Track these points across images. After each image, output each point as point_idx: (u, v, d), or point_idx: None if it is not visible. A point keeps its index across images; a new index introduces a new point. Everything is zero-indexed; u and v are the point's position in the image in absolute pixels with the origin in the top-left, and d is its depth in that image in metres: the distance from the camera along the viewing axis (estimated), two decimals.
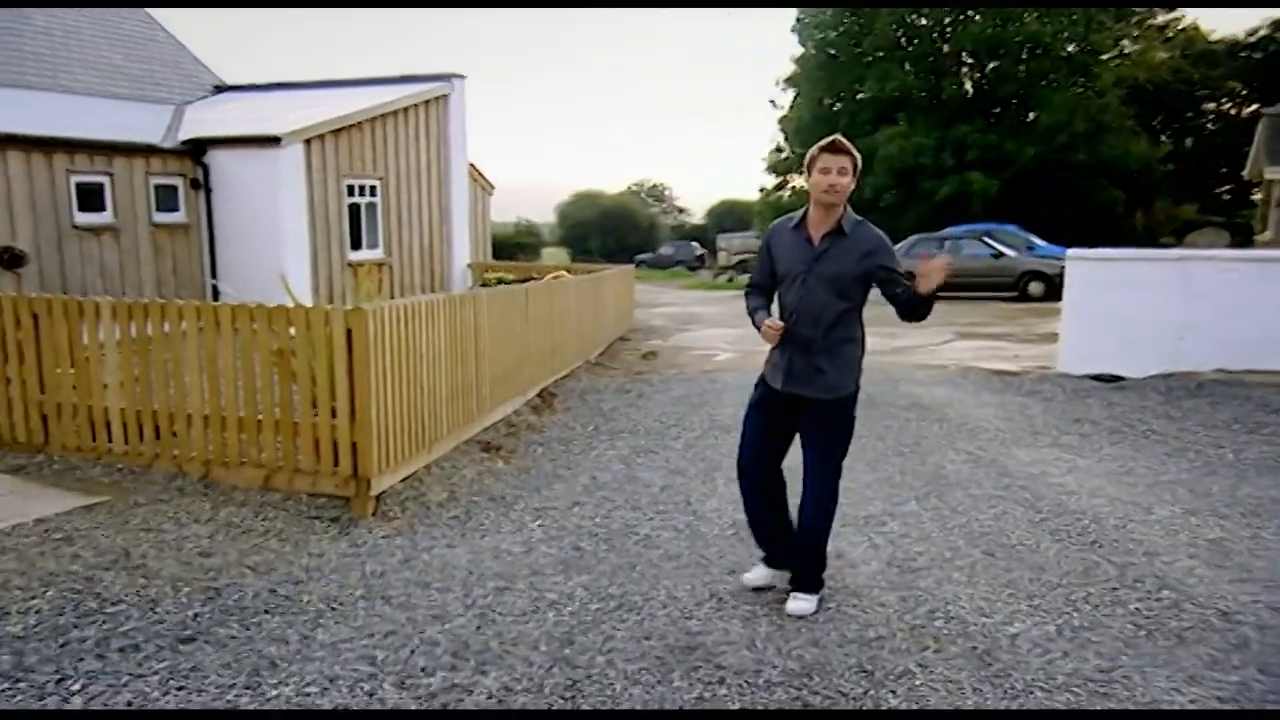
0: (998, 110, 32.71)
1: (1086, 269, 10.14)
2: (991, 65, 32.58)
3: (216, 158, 14.43)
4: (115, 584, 4.24)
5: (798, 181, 37.98)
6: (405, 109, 16.58)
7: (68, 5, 16.73)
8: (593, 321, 11.84)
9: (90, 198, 13.14)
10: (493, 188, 23.40)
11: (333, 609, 4.10)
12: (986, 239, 20.87)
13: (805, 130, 34.07)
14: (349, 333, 5.32)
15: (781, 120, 36.10)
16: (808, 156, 3.95)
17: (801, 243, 3.98)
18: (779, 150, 37.39)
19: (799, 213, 4.07)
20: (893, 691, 3.45)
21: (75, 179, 12.91)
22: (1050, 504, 5.74)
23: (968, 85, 33.43)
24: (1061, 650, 3.79)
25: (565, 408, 8.72)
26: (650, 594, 4.35)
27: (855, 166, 3.87)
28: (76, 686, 3.34)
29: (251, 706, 3.24)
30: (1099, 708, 3.35)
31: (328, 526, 5.22)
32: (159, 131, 14.75)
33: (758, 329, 4.08)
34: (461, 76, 17.67)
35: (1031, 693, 3.44)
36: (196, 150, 14.37)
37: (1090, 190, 29.97)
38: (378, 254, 16.18)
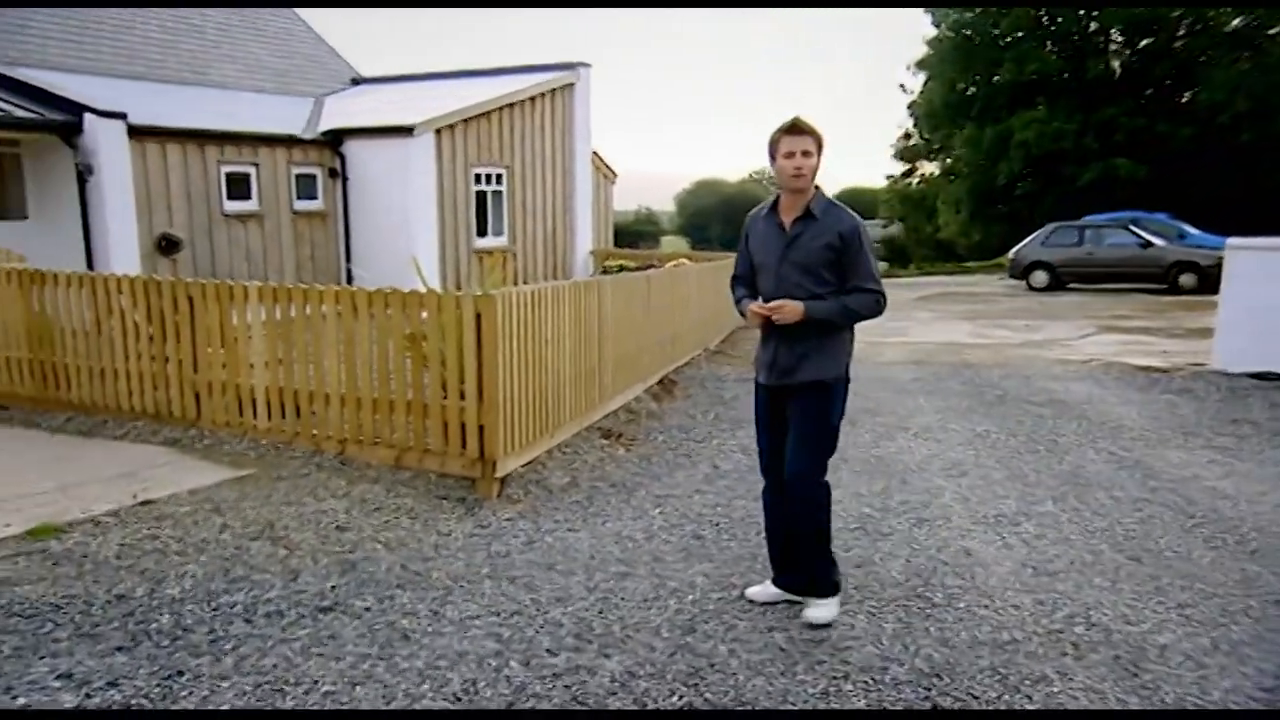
0: (1149, 91, 30.71)
1: (1249, 259, 9.43)
2: (1144, 43, 30.62)
3: (352, 147, 15.03)
4: (260, 553, 4.47)
5: (928, 168, 36.70)
6: (532, 98, 16.86)
7: (217, 5, 17.69)
8: (714, 309, 11.77)
9: (237, 186, 13.91)
10: (615, 175, 23.56)
11: (460, 586, 4.21)
12: (1132, 227, 19.71)
13: (937, 115, 32.90)
14: (478, 317, 5.44)
15: (911, 105, 34.98)
16: (769, 141, 3.80)
17: (774, 230, 3.86)
18: (907, 136, 36.28)
19: (771, 199, 3.95)
20: (1029, 697, 3.30)
21: (225, 169, 13.68)
22: (1203, 509, 5.38)
23: (1115, 65, 31.54)
24: (1218, 665, 3.54)
25: (686, 395, 8.70)
26: None
27: (819, 146, 3.74)
28: (229, 647, 3.53)
29: (386, 677, 3.36)
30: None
31: (454, 506, 5.36)
32: (300, 123, 15.47)
33: (744, 316, 3.98)
34: (587, 65, 17.84)
35: (1185, 707, 3.23)
36: (334, 140, 15.00)
37: (1256, 174, 27.80)
38: (502, 241, 16.53)
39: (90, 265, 12.01)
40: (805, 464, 3.84)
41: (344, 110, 16.66)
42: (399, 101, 16.79)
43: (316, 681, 3.30)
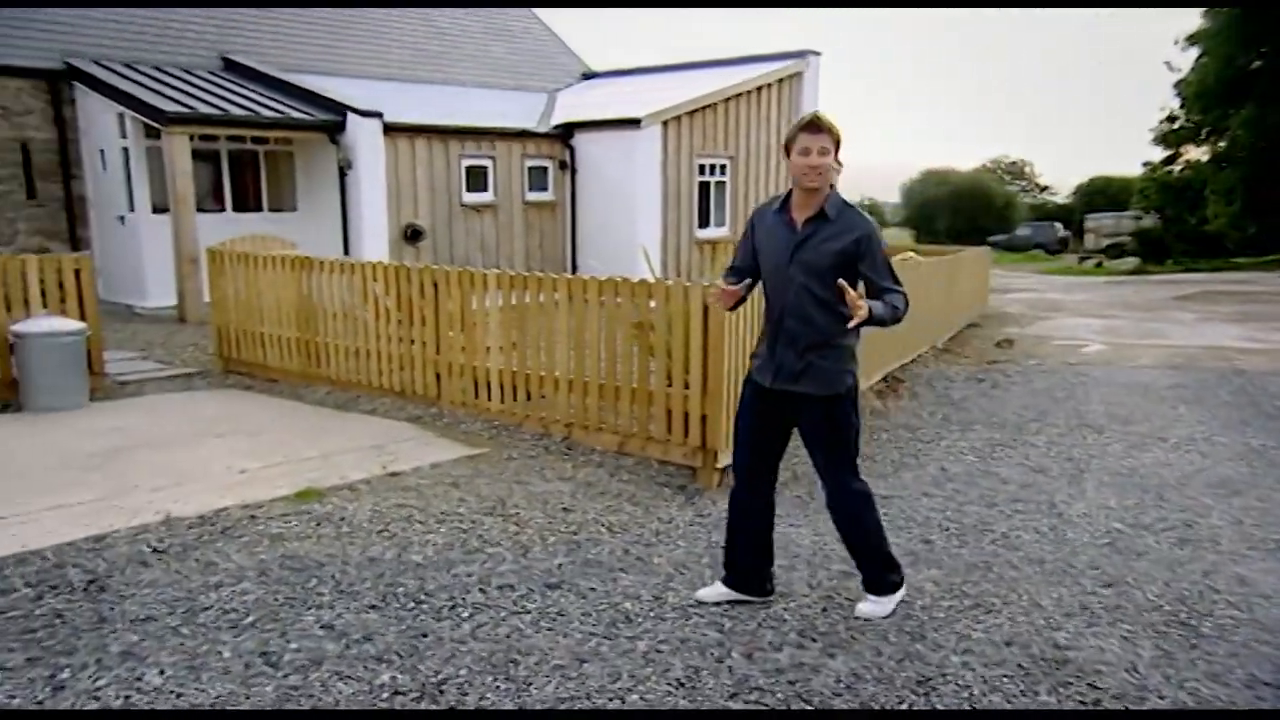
0: None
1: None
2: None
3: (582, 140, 15.53)
4: (493, 528, 4.69)
5: (1194, 153, 33.03)
6: (758, 88, 16.75)
7: (461, 5, 18.81)
8: (943, 306, 11.23)
9: (475, 178, 14.75)
10: (841, 166, 22.98)
11: (681, 573, 4.23)
12: None
13: (1209, 95, 29.45)
14: (705, 308, 5.44)
15: (1178, 84, 31.58)
16: (785, 137, 3.61)
17: (784, 228, 3.67)
18: (1170, 119, 32.79)
19: (783, 194, 3.72)
20: None
21: (465, 162, 14.55)
22: None
23: None
24: None
25: (912, 394, 8.36)
26: (1009, 597, 4.02)
27: (837, 144, 3.55)
28: (466, 614, 3.73)
29: (611, 656, 3.42)
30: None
31: (675, 494, 5.40)
32: (534, 117, 16.18)
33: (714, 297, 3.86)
34: (817, 53, 17.49)
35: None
36: (565, 133, 15.56)
37: None
38: (724, 231, 16.55)
39: (346, 253, 13.14)
40: (845, 477, 3.78)
41: (574, 104, 17.25)
42: (627, 94, 17.17)
43: (546, 654, 3.42)
